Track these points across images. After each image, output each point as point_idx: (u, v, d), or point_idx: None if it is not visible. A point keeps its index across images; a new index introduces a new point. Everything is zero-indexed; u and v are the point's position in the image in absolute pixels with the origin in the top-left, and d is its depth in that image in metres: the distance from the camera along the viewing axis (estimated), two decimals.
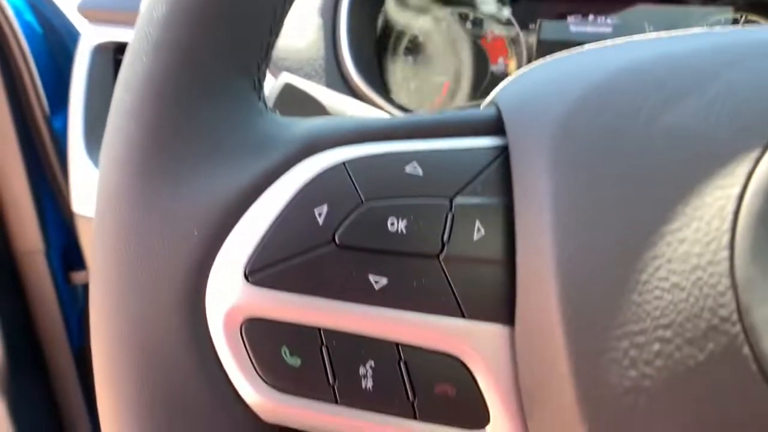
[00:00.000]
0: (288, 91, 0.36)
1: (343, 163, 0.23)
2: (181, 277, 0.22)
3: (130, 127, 0.22)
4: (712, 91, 0.20)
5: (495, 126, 0.24)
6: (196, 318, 0.22)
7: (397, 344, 0.22)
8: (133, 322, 0.22)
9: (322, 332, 0.22)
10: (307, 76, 0.52)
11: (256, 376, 0.22)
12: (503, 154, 0.23)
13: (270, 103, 0.38)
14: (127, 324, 0.22)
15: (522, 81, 0.24)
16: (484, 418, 0.22)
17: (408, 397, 0.22)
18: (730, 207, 0.19)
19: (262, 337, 0.22)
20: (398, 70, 0.67)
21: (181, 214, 0.22)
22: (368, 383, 0.22)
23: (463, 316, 0.22)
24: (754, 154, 0.19)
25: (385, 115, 0.41)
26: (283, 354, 0.22)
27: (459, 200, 0.22)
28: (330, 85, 0.52)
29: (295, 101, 0.36)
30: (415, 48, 0.67)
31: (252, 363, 0.22)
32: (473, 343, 0.22)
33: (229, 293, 0.22)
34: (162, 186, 0.22)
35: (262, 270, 0.22)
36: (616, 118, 0.21)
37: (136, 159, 0.22)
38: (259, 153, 0.23)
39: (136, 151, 0.22)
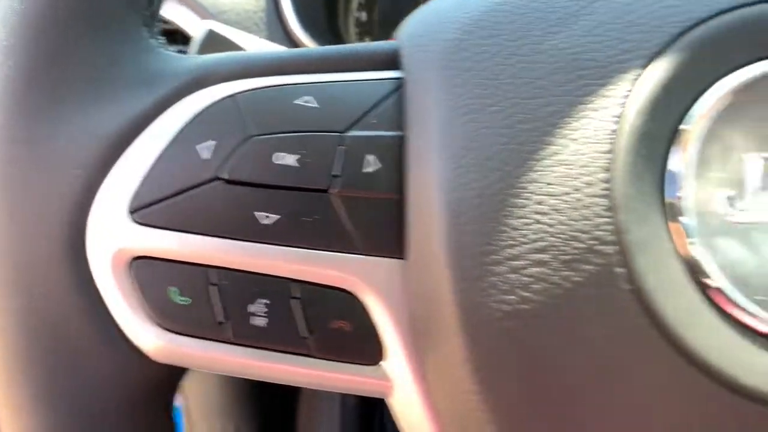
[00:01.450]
0: (211, 38, 0.35)
1: (231, 97, 0.22)
2: (62, 218, 0.21)
3: (7, 63, 0.21)
4: (598, 14, 0.20)
5: (395, 59, 0.23)
6: (79, 258, 0.21)
7: (289, 281, 0.21)
8: (15, 266, 0.21)
9: (210, 271, 0.21)
10: (247, 29, 0.50)
11: (145, 316, 0.21)
12: (402, 86, 0.22)
13: (194, 50, 0.37)
14: (10, 268, 0.21)
15: (422, 12, 0.24)
16: (380, 354, 0.21)
17: (301, 334, 0.21)
18: (609, 127, 0.18)
19: (150, 276, 0.21)
20: (351, 27, 0.66)
21: (60, 151, 0.21)
22: (260, 321, 0.21)
23: (356, 251, 0.21)
24: (632, 75, 0.19)
25: None
26: (172, 294, 0.21)
27: (352, 133, 0.21)
28: (271, 39, 0.51)
29: (218, 49, 0.35)
30: (369, 3, 0.66)
31: (140, 303, 0.21)
32: (367, 278, 0.21)
33: (112, 232, 0.21)
34: (40, 123, 0.21)
35: (146, 207, 0.21)
36: (504, 42, 0.20)
37: (14, 96, 0.21)
38: (143, 88, 0.22)
39: (12, 88, 0.21)
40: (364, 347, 0.22)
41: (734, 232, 0.18)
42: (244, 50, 0.36)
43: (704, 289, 0.18)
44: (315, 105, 0.22)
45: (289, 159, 0.21)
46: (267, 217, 0.21)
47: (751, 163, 0.18)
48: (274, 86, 0.22)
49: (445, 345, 0.20)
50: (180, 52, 0.43)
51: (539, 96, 0.19)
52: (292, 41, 0.53)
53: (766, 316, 0.18)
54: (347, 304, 0.21)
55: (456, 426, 0.20)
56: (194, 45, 0.36)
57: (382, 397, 0.22)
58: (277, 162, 0.21)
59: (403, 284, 0.21)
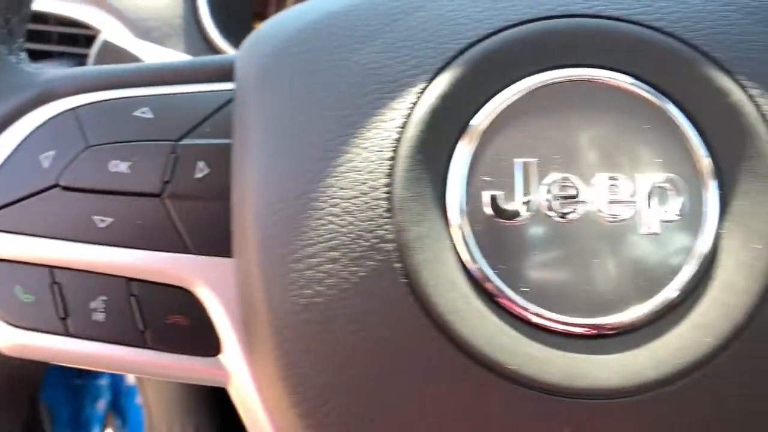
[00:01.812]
0: (106, 49, 0.37)
1: (73, 110, 0.24)
2: None
3: None
4: (396, 32, 0.21)
5: (231, 71, 0.25)
6: None
7: (127, 279, 0.23)
8: None
9: (52, 270, 0.23)
10: (166, 36, 0.52)
11: None
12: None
13: (90, 61, 0.38)
14: None
15: (262, 26, 0.26)
16: (218, 347, 0.23)
17: (138, 328, 0.23)
18: (393, 137, 0.20)
19: None
20: None
21: None
22: (100, 316, 0.23)
23: (188, 251, 0.23)
24: (418, 89, 0.20)
25: None
26: (18, 292, 0.23)
27: (184, 142, 0.23)
28: (190, 47, 0.53)
29: (113, 59, 0.36)
30: None
31: None
32: (201, 276, 0.23)
33: None
34: None
35: None
36: (315, 57, 0.22)
37: None
38: None
39: None
40: (202, 340, 0.23)
41: (504, 230, 0.20)
42: (140, 60, 0.38)
43: (475, 282, 0.20)
44: (150, 116, 0.23)
45: (123, 166, 0.23)
46: (103, 220, 0.23)
47: (520, 166, 0.20)
48: (114, 99, 0.24)
49: (261, 338, 0.21)
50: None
51: (340, 108, 0.21)
52: (211, 47, 0.54)
53: (532, 306, 0.20)
54: (184, 301, 0.23)
55: (276, 412, 0.22)
56: (90, 56, 0.37)
57: (223, 386, 0.24)
58: (112, 169, 0.23)
59: (234, 282, 0.23)
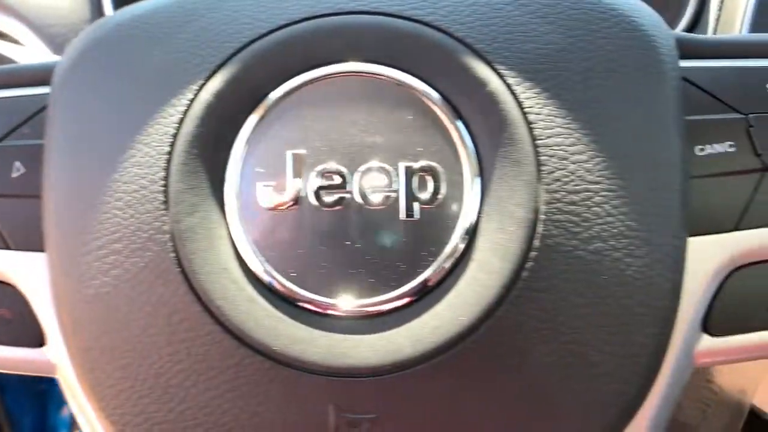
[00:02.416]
0: None
1: None
2: None
3: None
4: (188, 32, 0.22)
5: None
6: None
7: None
8: None
9: None
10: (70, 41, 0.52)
11: None
12: None
13: None
14: None
15: (82, 31, 0.26)
16: (41, 339, 0.24)
17: None
18: (171, 132, 0.21)
19: None
20: None
21: None
22: None
23: (9, 247, 0.24)
24: (196, 86, 0.21)
25: None
26: None
27: (3, 143, 0.24)
28: None
29: None
30: None
31: None
32: (22, 271, 0.24)
33: None
34: None
35: None
36: (115, 60, 0.23)
37: None
38: None
39: None
40: (27, 332, 0.24)
41: (275, 219, 0.21)
42: (16, 63, 0.38)
43: (247, 269, 0.21)
44: None
45: None
46: None
47: (290, 158, 0.21)
48: None
49: (64, 327, 0.22)
50: None
51: (128, 108, 0.22)
52: None
53: (298, 290, 0.20)
54: (9, 295, 0.24)
55: (87, 398, 0.23)
56: None
57: (52, 376, 0.25)
58: None
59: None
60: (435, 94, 0.21)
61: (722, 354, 0.23)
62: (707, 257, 0.23)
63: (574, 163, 0.20)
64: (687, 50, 0.24)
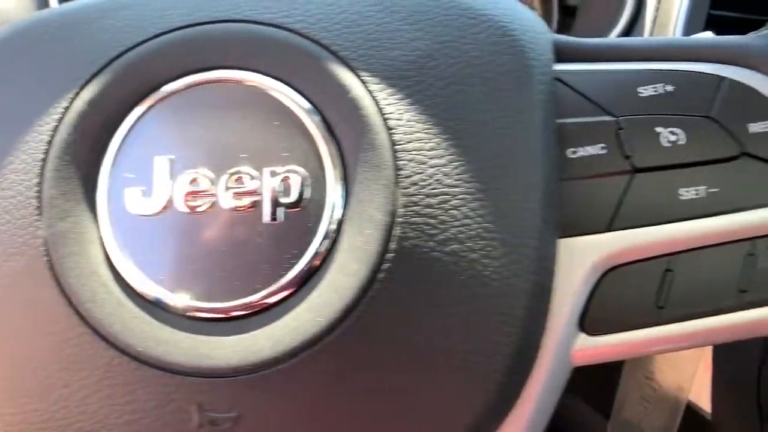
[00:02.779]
0: None
1: None
2: None
3: None
4: (76, 39, 0.23)
5: None
6: None
7: None
8: None
9: None
10: None
11: None
12: None
13: None
14: None
15: None
16: None
17: None
18: (46, 139, 0.22)
19: None
20: None
21: None
22: None
23: None
24: (72, 93, 0.22)
25: None
26: None
27: None
28: None
29: None
30: None
31: None
32: None
33: None
34: None
35: None
36: (5, 66, 0.23)
37: None
38: None
39: None
40: None
41: (143, 224, 0.21)
42: None
43: (115, 271, 0.21)
44: None
45: None
46: None
47: (158, 163, 0.22)
48: None
49: None
50: None
51: (12, 114, 0.22)
52: None
53: (165, 293, 0.21)
54: None
55: None
56: None
57: None
58: None
59: None
60: (303, 101, 0.22)
61: (600, 353, 0.24)
62: (580, 258, 0.23)
63: (432, 167, 0.21)
64: (566, 54, 0.25)
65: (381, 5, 0.23)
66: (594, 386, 0.51)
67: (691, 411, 0.48)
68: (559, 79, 0.24)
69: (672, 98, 0.23)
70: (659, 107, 0.23)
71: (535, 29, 0.24)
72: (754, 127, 0.23)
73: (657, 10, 0.48)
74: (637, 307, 0.23)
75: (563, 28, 0.60)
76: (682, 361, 0.48)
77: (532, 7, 0.63)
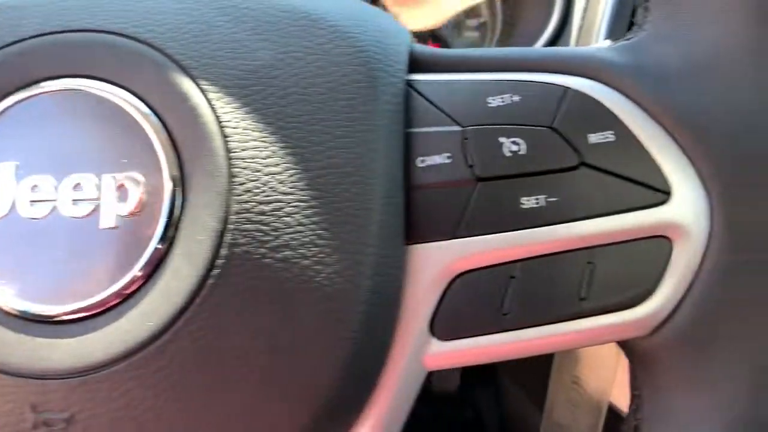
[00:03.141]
0: None
1: None
2: None
3: None
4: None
5: None
6: None
7: None
8: None
9: None
10: None
11: None
12: None
13: None
14: None
15: None
16: None
17: None
18: None
19: None
20: None
21: None
22: None
23: None
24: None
25: None
26: None
27: None
28: None
29: None
30: None
31: None
32: None
33: None
34: None
35: None
36: None
37: None
38: None
39: None
40: None
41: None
42: None
43: None
44: None
45: None
46: None
47: (3, 169, 0.22)
48: None
49: None
50: None
51: None
52: None
53: (8, 297, 0.21)
54: None
55: None
56: None
57: None
58: None
59: None
60: (143, 107, 0.22)
61: (452, 358, 0.24)
62: (428, 264, 0.24)
63: (267, 174, 0.21)
64: (423, 64, 0.25)
65: (230, 15, 0.23)
66: (536, 380, 0.52)
67: (613, 412, 0.49)
68: (414, 89, 0.24)
69: (517, 108, 0.24)
70: (505, 117, 0.24)
71: (388, 40, 0.24)
72: (593, 138, 0.23)
73: (583, 18, 0.49)
74: (483, 313, 0.24)
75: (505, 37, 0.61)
76: (603, 366, 0.49)
77: (484, 17, 0.64)
